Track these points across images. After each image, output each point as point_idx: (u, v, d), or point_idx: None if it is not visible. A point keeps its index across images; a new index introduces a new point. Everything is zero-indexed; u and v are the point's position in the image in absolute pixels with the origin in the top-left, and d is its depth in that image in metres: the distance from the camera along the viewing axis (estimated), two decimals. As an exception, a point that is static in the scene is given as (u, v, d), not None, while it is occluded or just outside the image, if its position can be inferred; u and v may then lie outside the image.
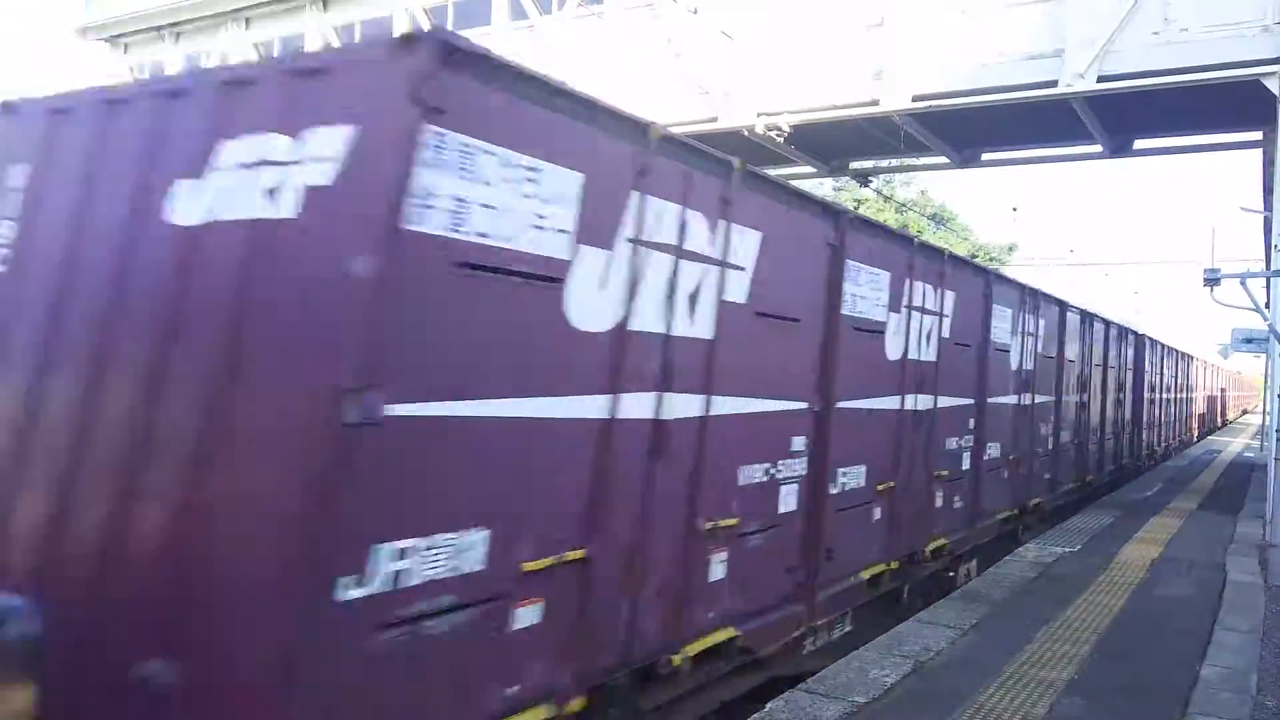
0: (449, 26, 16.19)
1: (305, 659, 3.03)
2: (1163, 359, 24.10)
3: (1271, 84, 10.50)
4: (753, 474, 5.52)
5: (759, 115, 13.74)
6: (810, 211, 6.16)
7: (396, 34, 3.37)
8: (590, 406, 4.18)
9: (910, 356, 7.67)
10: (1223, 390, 50.89)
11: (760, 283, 5.40)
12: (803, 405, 6.04)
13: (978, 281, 9.50)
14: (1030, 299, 11.29)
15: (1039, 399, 11.85)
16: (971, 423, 9.37)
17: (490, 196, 3.54)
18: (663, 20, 14.15)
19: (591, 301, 4.12)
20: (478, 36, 15.40)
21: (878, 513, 7.26)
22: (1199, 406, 37.33)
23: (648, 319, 4.50)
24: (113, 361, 3.62)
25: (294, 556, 3.06)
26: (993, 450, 10.18)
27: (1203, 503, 15.51)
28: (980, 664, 6.19)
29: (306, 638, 3.02)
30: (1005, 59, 12.14)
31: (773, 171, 13.97)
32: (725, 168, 5.07)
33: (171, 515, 3.29)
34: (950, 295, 8.50)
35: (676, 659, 4.80)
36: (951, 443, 8.89)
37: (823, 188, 27.09)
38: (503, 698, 3.80)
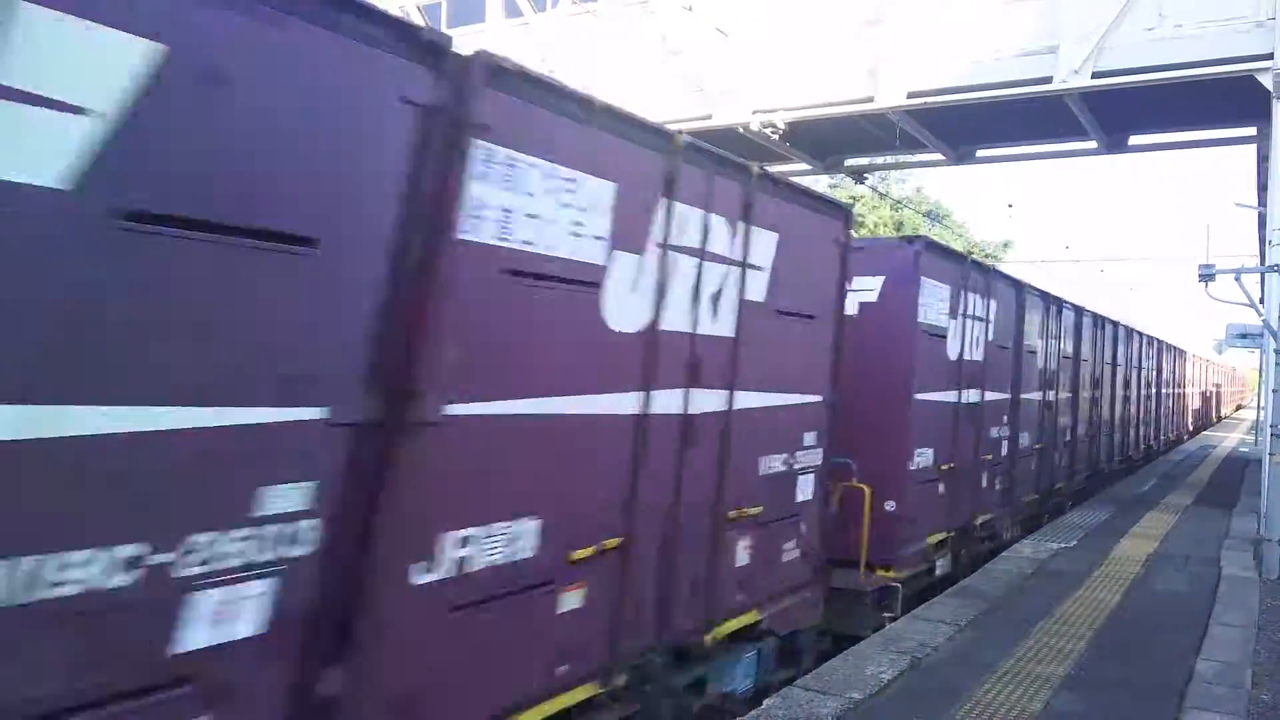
0: (443, 23, 16.12)
1: None
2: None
3: (1265, 80, 10.49)
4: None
5: (754, 112, 13.71)
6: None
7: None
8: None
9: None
10: (1217, 386, 50.97)
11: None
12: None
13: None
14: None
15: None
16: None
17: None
18: (657, 17, 14.11)
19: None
20: (473, 34, 15.30)
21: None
22: (1194, 402, 37.42)
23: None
24: None
25: None
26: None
27: (1198, 498, 15.56)
28: (977, 659, 6.20)
29: None
30: (1000, 56, 12.12)
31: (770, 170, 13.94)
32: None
33: None
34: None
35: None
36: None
37: (818, 185, 27.04)
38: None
